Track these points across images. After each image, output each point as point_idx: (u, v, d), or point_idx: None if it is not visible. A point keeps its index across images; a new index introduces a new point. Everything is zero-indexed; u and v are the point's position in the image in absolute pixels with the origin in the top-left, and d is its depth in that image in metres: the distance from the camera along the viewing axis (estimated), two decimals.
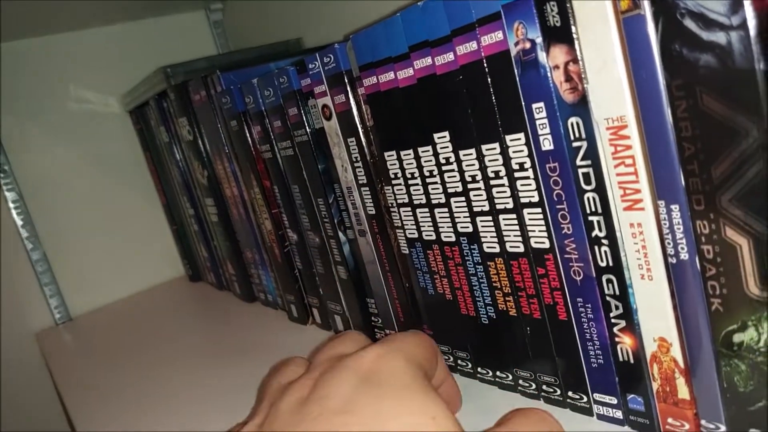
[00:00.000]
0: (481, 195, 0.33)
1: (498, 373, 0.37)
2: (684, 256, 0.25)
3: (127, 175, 0.86)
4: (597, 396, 0.31)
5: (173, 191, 0.80)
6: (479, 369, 0.38)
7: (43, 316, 0.81)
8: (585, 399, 0.32)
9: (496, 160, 0.31)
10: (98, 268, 0.84)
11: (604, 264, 0.28)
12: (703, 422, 0.27)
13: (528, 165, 0.30)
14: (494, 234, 0.33)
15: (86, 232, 0.84)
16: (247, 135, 0.53)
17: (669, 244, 0.25)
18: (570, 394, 0.33)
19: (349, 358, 0.26)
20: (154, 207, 0.87)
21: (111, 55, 0.84)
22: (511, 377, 0.36)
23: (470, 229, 0.34)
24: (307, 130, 0.45)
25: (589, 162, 0.27)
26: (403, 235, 0.40)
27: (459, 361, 0.40)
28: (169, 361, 0.57)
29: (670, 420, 0.28)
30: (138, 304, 0.81)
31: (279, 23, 0.80)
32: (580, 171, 0.27)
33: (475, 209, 0.33)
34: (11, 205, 0.78)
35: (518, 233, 0.31)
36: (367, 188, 0.42)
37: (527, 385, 0.35)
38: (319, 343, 0.51)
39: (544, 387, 0.34)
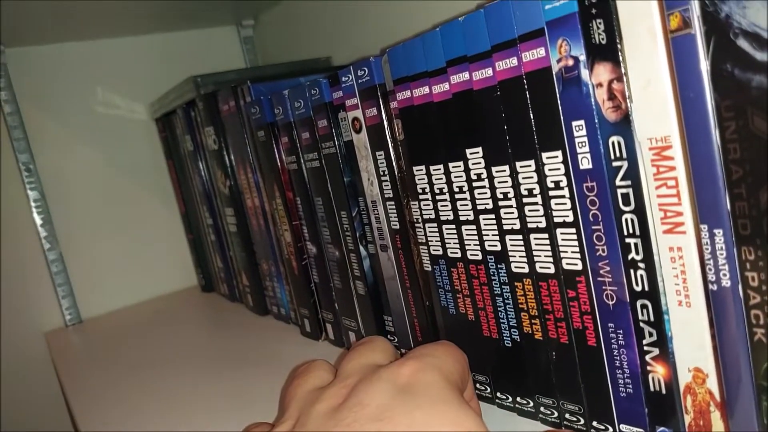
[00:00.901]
0: (512, 213, 0.32)
1: (518, 399, 0.36)
2: (726, 283, 0.24)
3: (149, 182, 0.87)
4: (623, 427, 0.30)
5: (193, 200, 0.80)
6: (498, 394, 0.37)
7: (54, 317, 0.80)
8: (610, 430, 0.31)
9: (531, 177, 0.30)
10: (112, 272, 0.84)
11: (639, 288, 0.27)
12: None
13: (564, 183, 0.29)
14: (523, 254, 0.32)
15: (103, 235, 0.84)
16: (274, 146, 0.53)
17: (710, 270, 0.24)
18: (594, 424, 0.31)
19: (385, 369, 0.25)
20: (172, 215, 0.87)
21: (141, 64, 0.86)
22: (532, 404, 0.35)
23: (498, 248, 0.34)
24: (336, 142, 0.44)
25: (629, 182, 0.26)
26: (426, 251, 0.39)
27: (477, 385, 0.39)
28: (177, 368, 0.56)
29: None
30: (149, 311, 0.80)
31: (309, 42, 0.81)
32: (619, 191, 0.27)
33: (505, 227, 0.33)
34: (32, 204, 0.79)
35: (549, 254, 0.31)
36: (393, 203, 0.41)
37: (549, 413, 0.34)
38: (330, 359, 0.50)
39: (566, 416, 0.33)
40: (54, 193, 0.80)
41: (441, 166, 0.36)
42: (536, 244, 0.31)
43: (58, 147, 0.81)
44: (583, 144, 0.28)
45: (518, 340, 0.34)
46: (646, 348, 0.28)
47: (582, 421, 0.32)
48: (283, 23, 0.86)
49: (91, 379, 0.58)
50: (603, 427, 0.31)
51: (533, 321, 0.33)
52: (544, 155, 0.29)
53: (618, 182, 0.27)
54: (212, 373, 0.53)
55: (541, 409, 0.34)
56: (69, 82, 0.81)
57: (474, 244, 0.35)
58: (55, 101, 0.81)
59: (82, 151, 0.83)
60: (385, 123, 0.39)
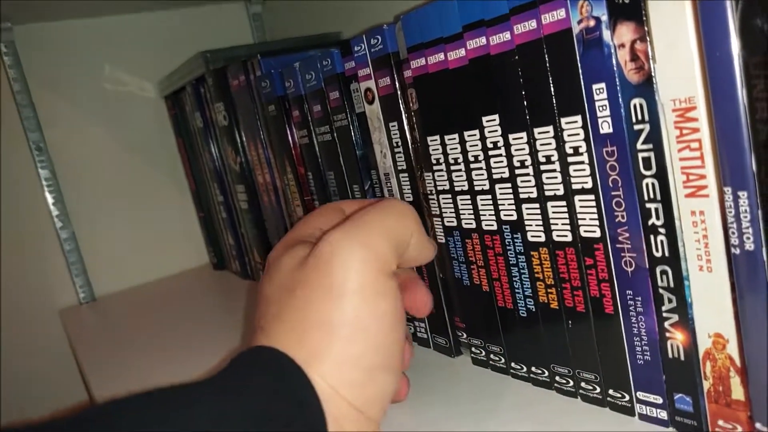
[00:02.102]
0: (529, 181, 0.32)
1: (533, 369, 0.36)
2: (749, 246, 0.24)
3: (159, 160, 0.87)
4: (640, 395, 0.30)
5: (203, 178, 0.80)
6: (513, 364, 0.37)
7: (68, 295, 0.81)
8: (627, 398, 0.31)
9: (549, 144, 0.30)
10: (124, 250, 0.85)
11: (659, 254, 0.27)
12: (758, 425, 0.25)
13: (583, 149, 0.29)
14: (540, 222, 0.32)
15: (115, 213, 0.84)
16: (285, 120, 0.53)
17: (733, 233, 0.24)
18: (611, 392, 0.31)
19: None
20: (182, 193, 0.87)
21: (149, 41, 0.85)
22: (547, 373, 0.35)
23: (514, 217, 0.33)
24: (348, 114, 0.44)
25: (650, 146, 0.26)
26: (440, 223, 0.39)
27: (492, 356, 0.38)
28: (191, 345, 0.56)
29: (720, 422, 0.27)
30: (161, 289, 0.81)
31: (318, 17, 0.80)
32: (640, 155, 0.26)
33: (522, 196, 0.32)
34: (44, 183, 0.79)
35: (567, 221, 0.30)
36: (406, 175, 0.41)
37: (564, 381, 0.34)
38: None
39: (582, 384, 0.33)
40: (65, 171, 0.80)
41: (456, 136, 0.35)
42: (554, 212, 0.31)
43: (68, 125, 0.81)
44: (604, 108, 0.27)
45: (533, 310, 0.34)
46: (664, 314, 0.27)
47: (598, 390, 0.32)
48: (295, 4, 0.85)
49: (106, 355, 0.59)
50: (619, 395, 0.31)
51: (549, 290, 0.33)
52: (563, 120, 0.29)
53: (639, 146, 0.26)
54: (225, 349, 0.53)
55: (557, 378, 0.34)
56: (77, 60, 0.81)
57: (489, 214, 0.35)
58: (63, 79, 0.80)
59: (92, 129, 0.83)
60: (399, 93, 0.39)
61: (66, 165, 0.81)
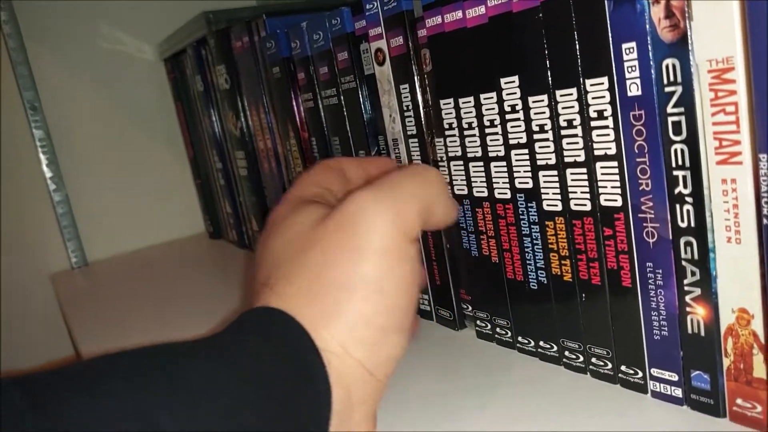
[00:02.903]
0: (548, 147, 0.30)
1: (542, 343, 0.35)
2: None
3: (156, 125, 0.85)
4: (655, 371, 0.29)
5: (202, 144, 0.78)
6: (520, 338, 0.36)
7: (60, 259, 0.80)
8: (640, 374, 0.30)
9: (571, 107, 0.29)
10: (118, 215, 0.83)
11: (684, 225, 0.26)
12: None
13: (608, 113, 0.27)
14: (558, 190, 0.31)
15: (109, 178, 0.82)
16: (289, 83, 0.51)
17: (767, 203, 0.23)
18: (623, 368, 0.30)
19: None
20: (180, 160, 0.85)
21: (148, 2, 0.83)
22: (556, 348, 0.34)
23: (530, 185, 0.32)
24: (356, 76, 0.42)
25: (681, 109, 0.24)
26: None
27: (498, 330, 0.37)
28: (183, 313, 0.55)
29: (739, 401, 0.26)
30: (155, 256, 0.80)
31: None
32: (670, 120, 0.25)
33: (539, 163, 0.31)
34: (38, 143, 0.77)
35: (586, 190, 0.29)
36: (416, 140, 0.39)
37: (574, 357, 0.33)
38: None
39: (593, 360, 0.32)
40: (59, 132, 0.78)
41: (471, 99, 0.34)
42: (572, 180, 0.30)
43: (63, 85, 0.79)
44: (633, 68, 0.26)
45: (545, 282, 0.33)
46: (686, 288, 0.26)
47: (609, 366, 0.31)
48: None
49: (97, 320, 0.58)
50: (632, 372, 0.30)
51: (563, 262, 0.32)
52: (588, 82, 0.28)
53: (669, 109, 0.25)
54: (218, 317, 0.52)
55: (566, 353, 0.33)
56: (75, 18, 0.79)
57: (503, 182, 0.34)
58: (60, 37, 0.78)
59: (89, 90, 0.80)
60: (412, 53, 0.37)
61: (61, 126, 0.78)
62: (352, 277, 0.25)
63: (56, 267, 0.80)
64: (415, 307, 0.28)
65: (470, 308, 0.40)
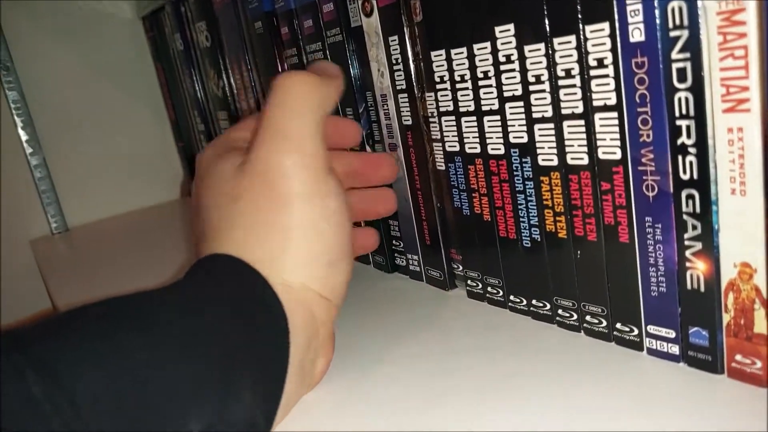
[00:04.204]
0: (545, 99, 0.29)
1: (534, 302, 0.34)
2: None
3: (136, 86, 0.82)
4: (651, 329, 0.28)
5: (183, 106, 0.76)
6: (512, 297, 0.35)
7: (40, 225, 0.78)
8: (636, 332, 0.29)
9: (570, 56, 0.27)
10: (99, 180, 0.81)
11: (686, 177, 0.25)
12: None
13: (609, 61, 0.26)
14: (554, 144, 0.29)
15: (89, 141, 0.80)
16: (272, 38, 0.49)
17: None
18: (618, 326, 0.30)
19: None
20: (161, 122, 0.83)
21: None
22: (549, 306, 0.33)
23: (524, 140, 0.31)
24: (342, 29, 0.41)
25: (687, 55, 0.23)
26: (441, 148, 0.36)
27: (489, 288, 0.37)
28: (163, 276, 0.54)
29: (738, 357, 0.25)
30: (137, 221, 0.78)
31: None
32: (675, 66, 0.24)
33: (535, 116, 0.30)
34: (12, 106, 0.74)
35: (584, 142, 0.28)
36: (405, 95, 0.38)
37: (568, 315, 0.32)
38: None
39: (587, 318, 0.31)
40: (35, 94, 0.76)
41: (464, 50, 0.32)
42: (570, 133, 0.29)
43: (37, 44, 0.76)
44: (637, 12, 0.24)
45: (539, 240, 0.32)
46: (686, 243, 0.26)
47: (604, 324, 0.30)
48: None
49: (78, 285, 0.56)
50: (628, 329, 0.29)
51: (558, 218, 0.31)
52: (588, 29, 0.26)
53: (674, 56, 0.24)
54: None
55: (559, 311, 0.33)
56: None
57: (497, 137, 0.32)
58: None
59: (64, 50, 0.77)
60: (401, 2, 0.35)
61: (36, 87, 0.76)
62: (285, 222, 0.27)
63: (36, 233, 0.78)
64: (351, 230, 0.30)
65: (461, 268, 0.39)
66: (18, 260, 0.77)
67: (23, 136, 0.75)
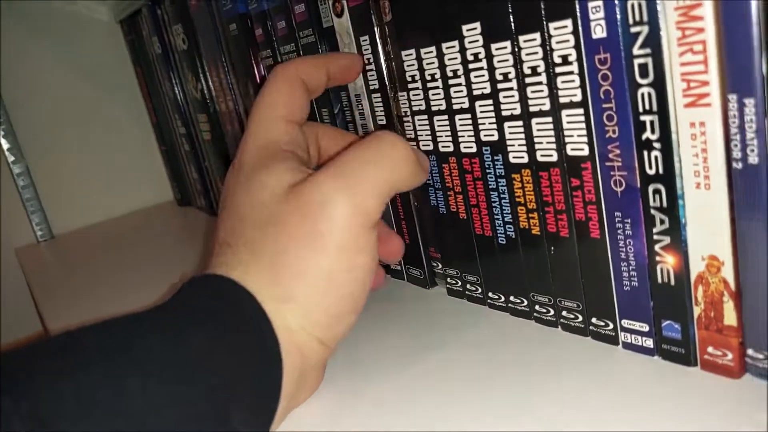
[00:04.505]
0: (513, 96, 0.29)
1: (512, 298, 0.34)
2: (753, 159, 0.22)
3: (116, 90, 0.81)
4: (625, 323, 0.28)
5: (164, 109, 0.75)
6: (491, 294, 0.35)
7: (25, 233, 0.77)
8: (611, 326, 0.29)
9: (535, 53, 0.27)
10: (83, 186, 0.80)
11: (652, 171, 0.25)
12: (749, 351, 0.24)
13: (573, 57, 0.26)
14: (523, 142, 0.29)
15: (71, 148, 0.79)
16: (246, 40, 0.48)
17: (735, 146, 0.22)
18: (593, 320, 0.30)
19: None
20: (143, 126, 0.83)
21: None
22: (526, 303, 0.33)
23: (495, 138, 0.31)
24: (315, 30, 0.40)
25: (648, 50, 0.23)
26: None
27: (468, 286, 0.37)
28: (151, 282, 0.54)
29: (710, 349, 0.25)
30: (122, 227, 0.78)
31: None
32: (636, 62, 0.24)
33: (504, 113, 0.30)
34: None
35: (552, 139, 0.28)
36: (379, 95, 0.38)
37: (544, 311, 0.32)
38: None
39: (563, 313, 0.31)
40: (14, 100, 0.75)
41: (433, 49, 0.32)
42: (538, 130, 0.29)
43: (16, 49, 0.75)
44: (598, 9, 0.24)
45: (513, 237, 0.32)
46: (655, 237, 0.26)
47: (580, 318, 0.31)
48: None
49: (64, 294, 0.56)
50: (603, 324, 0.29)
51: (530, 215, 0.31)
52: (552, 26, 0.26)
53: (636, 51, 0.24)
54: None
55: (536, 307, 0.33)
56: None
57: (468, 136, 0.32)
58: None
59: (43, 54, 0.77)
60: (371, 2, 0.35)
61: (16, 93, 0.75)
62: (310, 267, 0.26)
63: (21, 241, 0.77)
64: (369, 287, 0.29)
65: (440, 266, 0.39)
66: (3, 269, 0.76)
67: (5, 145, 0.75)
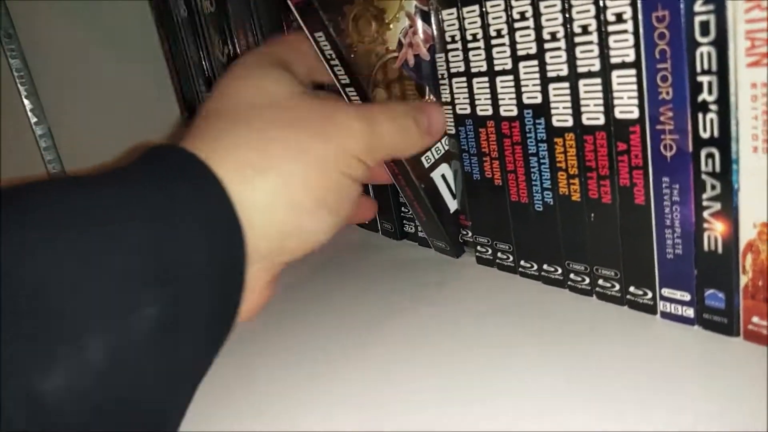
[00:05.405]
0: (560, 57, 0.28)
1: (545, 266, 0.34)
2: None
3: (140, 55, 0.81)
4: (666, 291, 0.28)
5: (188, 75, 0.75)
6: (522, 262, 0.35)
7: None
8: (649, 295, 0.29)
9: (587, 11, 0.26)
10: (103, 152, 0.80)
11: (707, 135, 0.24)
12: None
13: (628, 15, 0.25)
14: (569, 104, 0.29)
15: (93, 111, 0.79)
16: (276, 2, 0.48)
17: None
18: (632, 289, 0.29)
19: None
20: (166, 92, 0.82)
21: None
22: (560, 271, 0.33)
23: (539, 100, 0.30)
24: None
25: (711, 7, 0.22)
26: (451, 111, 0.36)
27: (499, 254, 0.36)
28: None
29: (755, 319, 0.25)
30: None
31: None
32: (697, 19, 0.23)
33: (550, 75, 0.29)
34: (15, 74, 0.73)
35: (600, 102, 0.27)
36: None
37: (579, 279, 0.32)
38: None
39: (600, 282, 0.31)
40: (37, 62, 0.74)
41: (476, 7, 0.31)
42: (585, 92, 0.28)
43: (39, 11, 0.74)
44: None
45: (551, 203, 0.32)
46: (705, 203, 0.25)
47: (617, 287, 0.30)
48: None
49: None
50: (641, 293, 0.29)
51: (571, 181, 0.30)
52: None
53: (697, 8, 0.23)
54: None
55: (571, 276, 0.32)
56: None
57: (509, 98, 0.32)
58: None
59: (66, 18, 0.76)
60: None
61: (38, 55, 0.74)
62: (303, 146, 0.27)
63: None
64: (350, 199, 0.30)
65: (470, 234, 0.38)
66: None
67: (28, 105, 0.75)
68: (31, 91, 0.75)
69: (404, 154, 0.34)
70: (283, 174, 0.26)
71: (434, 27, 0.34)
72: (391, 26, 0.35)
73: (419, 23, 0.35)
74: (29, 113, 0.75)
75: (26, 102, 0.75)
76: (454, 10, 0.33)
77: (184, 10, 0.67)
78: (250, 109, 0.28)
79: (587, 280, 0.31)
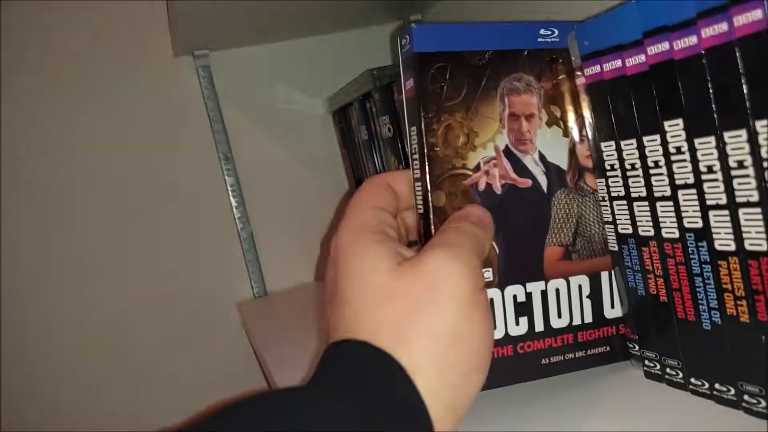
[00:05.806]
0: (718, 187, 0.30)
1: (717, 386, 0.34)
2: None
3: (325, 171, 0.94)
4: None
5: None
6: (693, 380, 0.35)
7: (243, 289, 0.90)
8: None
9: (741, 148, 0.29)
10: (294, 252, 0.92)
11: None
12: None
13: None
14: (730, 230, 0.30)
15: (288, 218, 0.92)
16: None
17: None
18: None
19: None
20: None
21: (318, 62, 0.92)
22: (734, 391, 0.33)
23: (699, 225, 0.32)
24: None
25: None
26: (613, 230, 0.38)
27: (668, 369, 0.37)
28: None
29: None
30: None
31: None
32: None
33: (709, 203, 0.31)
34: (229, 189, 0.89)
35: (762, 229, 0.29)
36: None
37: (755, 402, 0.32)
38: None
39: None
40: (247, 178, 0.90)
41: (633, 141, 0.35)
42: (746, 220, 0.30)
43: (250, 139, 0.90)
44: None
45: (719, 323, 0.33)
46: None
47: None
48: (451, 15, 0.88)
49: (282, 342, 0.65)
50: None
51: (738, 302, 0.31)
52: (759, 123, 0.28)
53: None
54: None
55: (745, 397, 0.32)
56: (255, 81, 0.90)
57: (670, 222, 0.34)
58: (246, 98, 0.90)
59: (270, 142, 0.92)
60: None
61: (248, 173, 0.90)
62: (438, 327, 0.28)
63: (240, 297, 0.90)
64: (491, 345, 0.31)
65: (636, 347, 0.40)
66: (223, 319, 0.89)
67: (236, 214, 0.89)
68: (240, 202, 0.90)
69: (485, 251, 0.35)
70: (431, 359, 0.28)
71: (594, 155, 0.38)
72: (477, 150, 0.39)
73: (504, 160, 0.39)
74: (237, 220, 0.90)
75: (235, 211, 0.89)
76: (612, 142, 0.36)
77: (365, 133, 0.78)
78: (367, 312, 0.30)
79: (763, 403, 0.31)
